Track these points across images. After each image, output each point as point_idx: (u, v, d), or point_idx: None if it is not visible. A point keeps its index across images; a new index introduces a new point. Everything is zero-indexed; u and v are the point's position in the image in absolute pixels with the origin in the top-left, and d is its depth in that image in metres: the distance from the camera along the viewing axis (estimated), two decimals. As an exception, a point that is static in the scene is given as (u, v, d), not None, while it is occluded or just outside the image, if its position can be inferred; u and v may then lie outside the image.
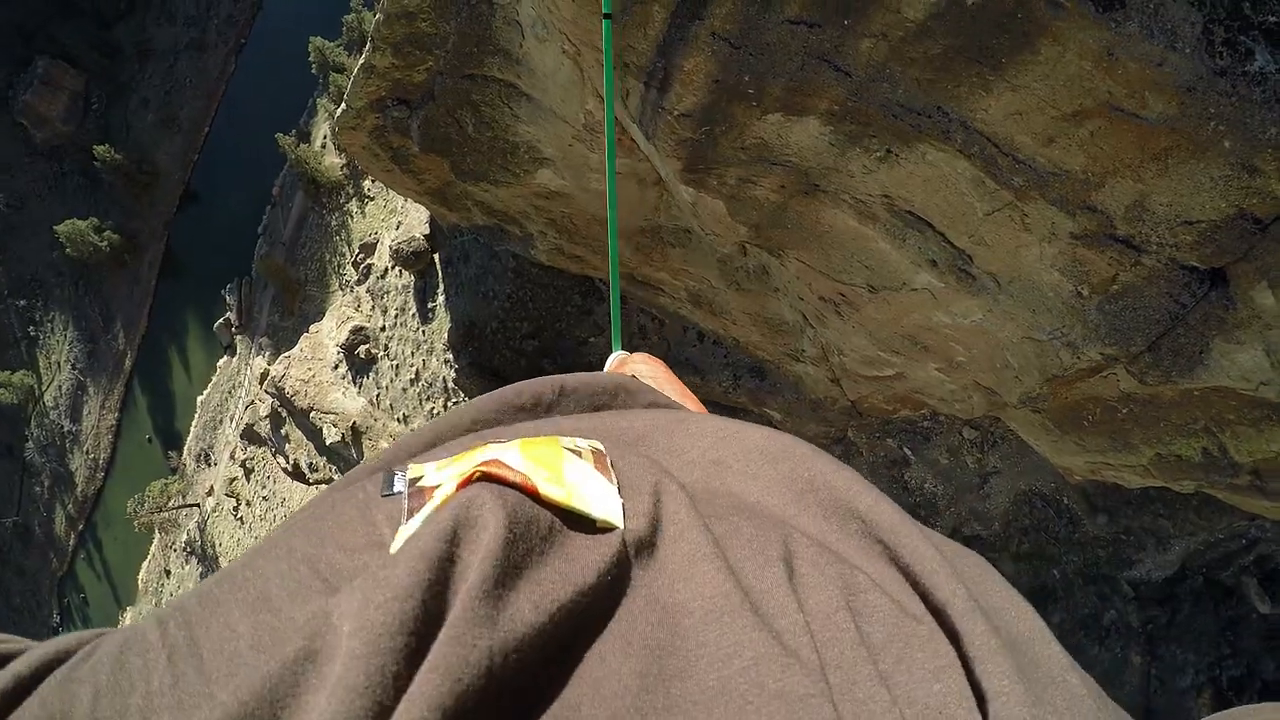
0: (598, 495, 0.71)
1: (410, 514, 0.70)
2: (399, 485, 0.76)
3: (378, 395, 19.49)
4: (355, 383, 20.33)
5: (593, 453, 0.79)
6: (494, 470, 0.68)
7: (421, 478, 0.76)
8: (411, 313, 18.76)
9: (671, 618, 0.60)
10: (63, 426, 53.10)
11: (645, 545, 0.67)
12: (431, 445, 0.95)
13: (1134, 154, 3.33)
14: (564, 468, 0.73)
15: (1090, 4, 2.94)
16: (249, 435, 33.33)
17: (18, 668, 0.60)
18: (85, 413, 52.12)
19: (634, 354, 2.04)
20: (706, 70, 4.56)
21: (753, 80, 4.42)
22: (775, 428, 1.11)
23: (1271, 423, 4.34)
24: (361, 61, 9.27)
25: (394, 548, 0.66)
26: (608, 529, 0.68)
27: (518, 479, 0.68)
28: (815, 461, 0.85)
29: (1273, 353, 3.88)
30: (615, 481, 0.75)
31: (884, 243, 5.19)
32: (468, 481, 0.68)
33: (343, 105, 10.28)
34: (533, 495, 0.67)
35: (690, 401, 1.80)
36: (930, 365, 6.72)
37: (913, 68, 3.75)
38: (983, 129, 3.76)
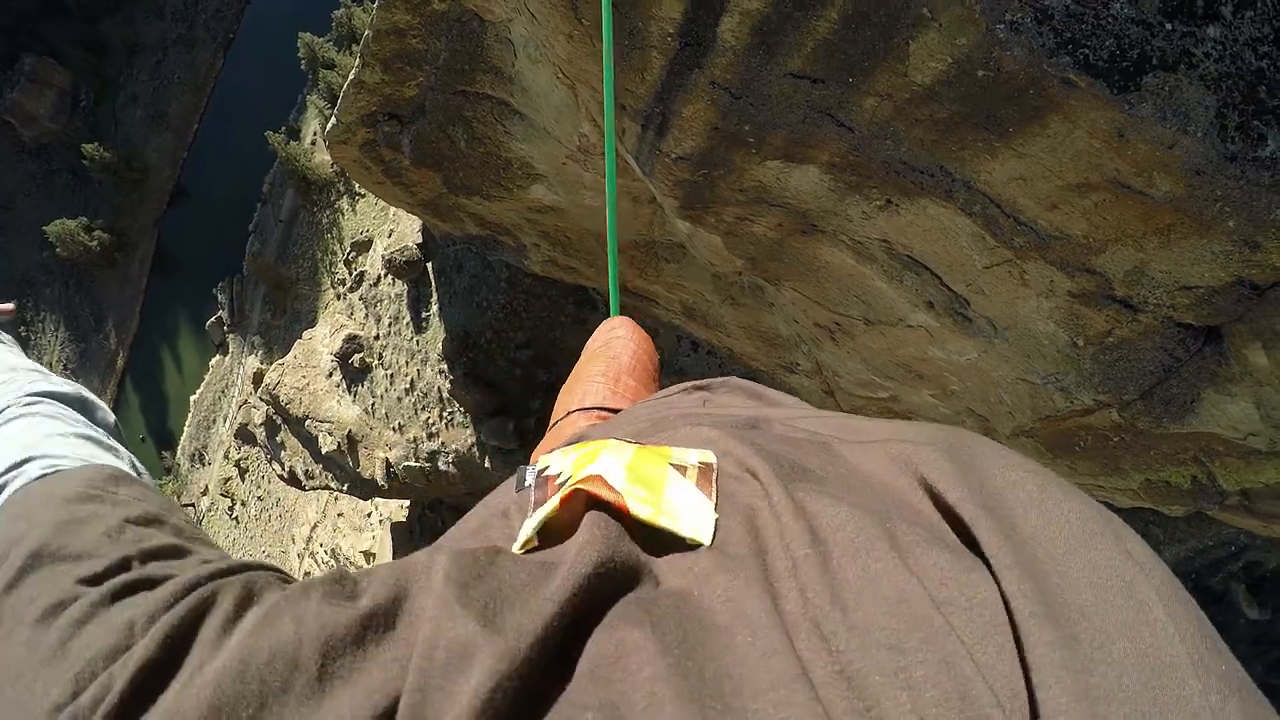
0: (691, 513, 0.74)
1: (536, 505, 0.80)
2: (529, 479, 0.88)
3: (373, 404, 19.45)
4: (350, 391, 20.29)
5: (699, 468, 0.82)
6: (591, 489, 0.75)
7: (547, 468, 0.87)
8: (405, 321, 18.72)
9: (733, 642, 0.59)
10: (54, 427, 52.90)
11: (728, 562, 0.68)
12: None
13: (1137, 226, 3.34)
14: (665, 487, 0.77)
15: (1105, 85, 2.93)
16: (243, 435, 33.26)
17: (237, 562, 0.81)
18: (77, 413, 51.84)
19: (615, 318, 2.11)
20: (705, 117, 4.56)
21: (753, 130, 4.41)
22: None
23: (1260, 457, 4.37)
24: (351, 77, 9.24)
25: (515, 545, 0.76)
26: (696, 545, 0.71)
27: (611, 498, 0.74)
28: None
29: (1263, 407, 3.91)
30: (714, 498, 0.77)
31: (881, 282, 5.19)
32: (569, 498, 0.76)
33: (333, 120, 10.24)
34: (622, 512, 0.73)
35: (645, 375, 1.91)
36: (925, 391, 6.73)
37: (917, 128, 3.74)
38: (985, 190, 3.76)
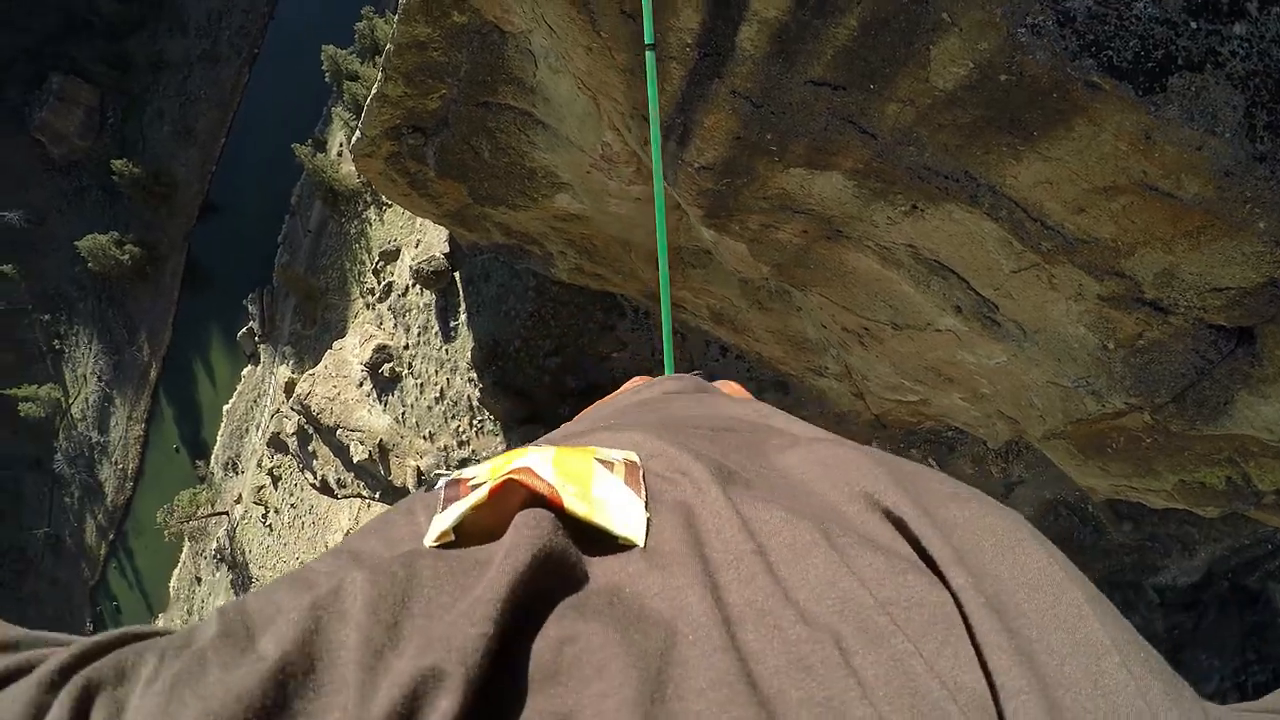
0: (622, 510, 0.72)
1: (445, 503, 0.75)
2: (440, 482, 0.82)
3: (403, 413, 19.58)
4: (381, 400, 20.43)
5: (625, 465, 0.80)
6: (523, 479, 0.71)
7: (460, 474, 0.81)
8: (434, 331, 18.83)
9: (674, 639, 0.59)
10: (91, 438, 53.65)
11: (665, 560, 0.67)
12: None
13: (1166, 229, 3.29)
14: (593, 482, 0.74)
15: (1130, 87, 2.88)
16: (275, 444, 33.54)
17: (100, 639, 0.66)
18: (113, 424, 52.61)
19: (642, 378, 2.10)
20: (727, 127, 4.54)
21: (775, 138, 4.39)
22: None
23: (1297, 456, 4.31)
24: (374, 90, 9.30)
25: (427, 538, 0.71)
26: (629, 545, 0.69)
27: (545, 490, 0.70)
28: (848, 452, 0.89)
29: (1297, 409, 3.85)
30: (644, 495, 0.75)
31: (908, 286, 5.16)
32: (499, 488, 0.71)
33: (357, 133, 10.31)
34: (558, 508, 0.69)
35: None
36: (955, 395, 6.69)
37: (940, 134, 3.70)
38: (1011, 194, 3.72)
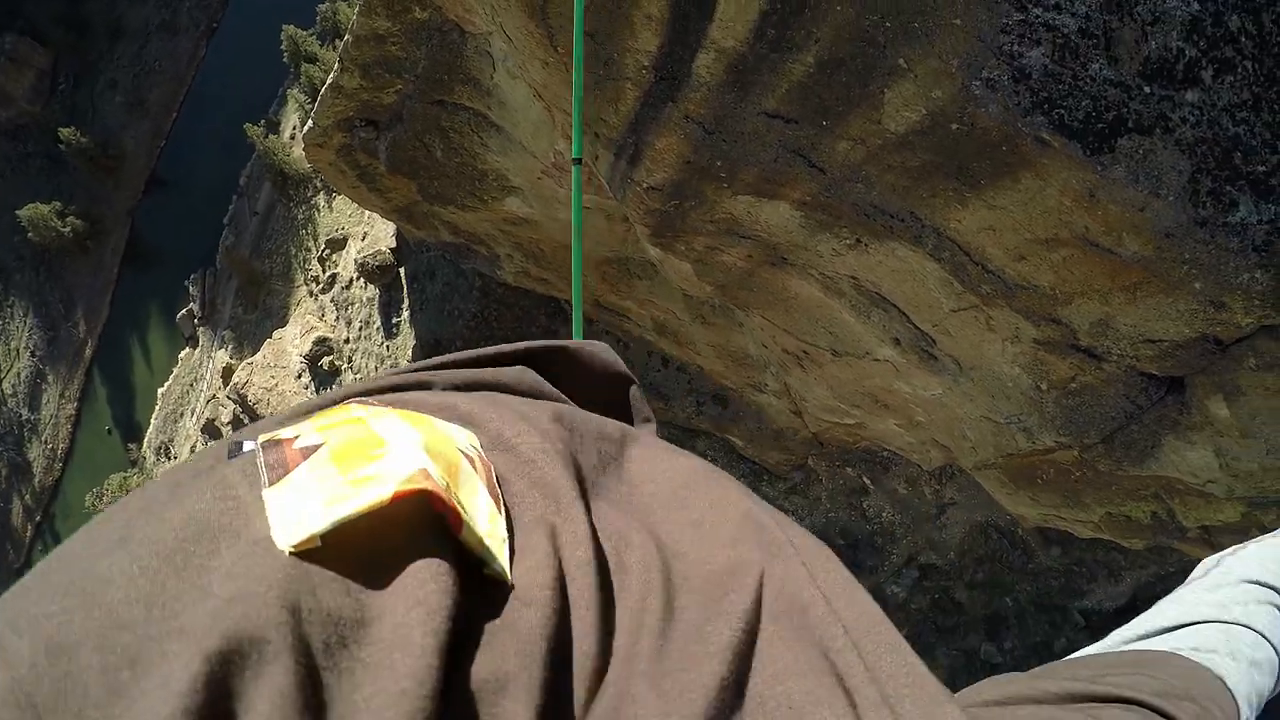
0: (490, 534, 0.60)
1: (271, 470, 0.58)
2: (249, 445, 0.64)
3: (341, 408, 19.28)
4: (319, 393, 20.14)
5: (480, 460, 0.68)
6: (432, 488, 0.56)
7: (277, 434, 0.64)
8: (376, 326, 18.63)
9: None
10: (20, 415, 52.25)
11: (529, 603, 0.58)
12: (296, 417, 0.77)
13: (1104, 282, 3.35)
14: (460, 480, 0.62)
15: (1079, 146, 2.93)
16: (210, 431, 32.98)
17: None
18: (44, 401, 51.32)
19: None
20: (678, 150, 4.54)
21: (725, 165, 4.40)
22: (739, 454, 1.08)
23: (1219, 498, 4.41)
24: (329, 81, 9.19)
25: (284, 538, 0.52)
26: (500, 581, 0.59)
27: (447, 509, 0.57)
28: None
29: (1222, 456, 3.94)
30: (504, 511, 0.65)
31: (849, 315, 5.22)
32: (404, 496, 0.55)
33: (310, 122, 10.19)
34: (450, 523, 0.58)
35: None
36: (890, 421, 6.78)
37: (889, 174, 3.74)
38: (954, 238, 3.77)
